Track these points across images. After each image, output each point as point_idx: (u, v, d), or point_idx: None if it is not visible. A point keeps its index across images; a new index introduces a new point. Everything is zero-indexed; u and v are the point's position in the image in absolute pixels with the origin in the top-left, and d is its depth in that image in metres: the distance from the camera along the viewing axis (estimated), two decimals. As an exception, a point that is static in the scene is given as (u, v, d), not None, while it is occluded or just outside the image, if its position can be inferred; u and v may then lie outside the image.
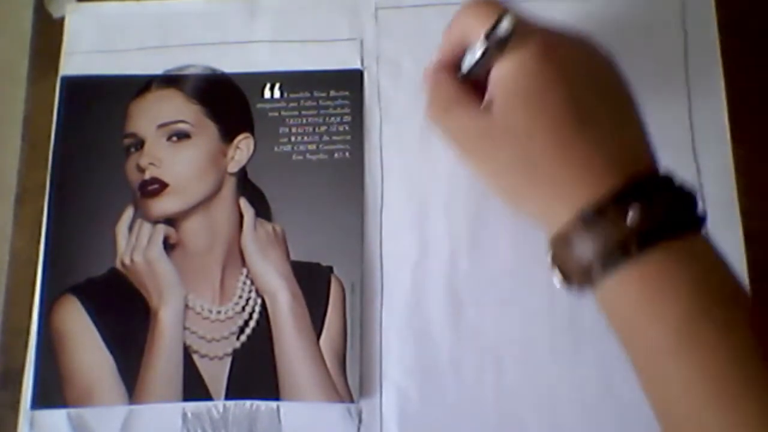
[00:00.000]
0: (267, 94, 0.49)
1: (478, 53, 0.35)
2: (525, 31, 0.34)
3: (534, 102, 0.33)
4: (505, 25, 0.33)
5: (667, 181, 0.33)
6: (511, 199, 0.36)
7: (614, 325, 0.33)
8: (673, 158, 0.46)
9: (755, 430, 0.28)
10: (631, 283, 0.31)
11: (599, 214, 0.31)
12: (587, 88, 0.34)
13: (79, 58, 0.51)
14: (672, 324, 0.30)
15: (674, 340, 0.30)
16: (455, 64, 0.38)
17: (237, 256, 0.47)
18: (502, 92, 0.34)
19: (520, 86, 0.33)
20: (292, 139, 0.48)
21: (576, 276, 0.33)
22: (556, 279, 0.34)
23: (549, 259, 0.34)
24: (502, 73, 0.34)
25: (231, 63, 0.50)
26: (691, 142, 0.47)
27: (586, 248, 0.31)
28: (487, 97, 0.35)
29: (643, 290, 0.31)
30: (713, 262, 0.32)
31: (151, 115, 0.48)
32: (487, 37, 0.34)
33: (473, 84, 0.37)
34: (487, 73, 0.35)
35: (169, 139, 0.48)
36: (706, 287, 0.30)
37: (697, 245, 0.32)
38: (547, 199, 0.33)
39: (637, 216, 0.30)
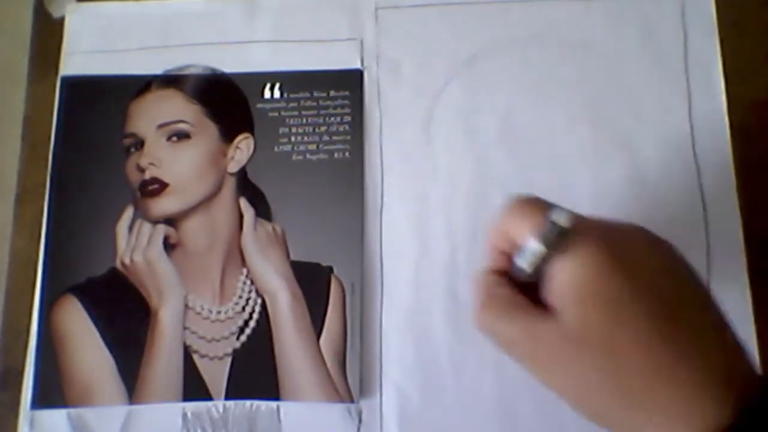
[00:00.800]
0: (267, 94, 0.49)
1: (531, 255, 0.31)
2: (581, 226, 0.30)
3: (613, 310, 0.29)
4: (562, 221, 0.30)
5: None
6: (593, 416, 0.30)
7: None
8: (673, 158, 0.47)
9: None
10: None
11: None
12: (667, 288, 0.30)
13: (79, 58, 0.51)
14: None
15: None
16: (504, 268, 0.34)
17: (237, 256, 0.47)
18: (572, 298, 0.29)
19: (593, 291, 0.29)
20: (292, 139, 0.48)
21: None
22: None
23: None
24: (568, 276, 0.30)
25: (231, 63, 0.50)
26: (691, 142, 0.47)
27: None
28: (550, 302, 0.31)
29: None
30: None
31: (151, 115, 0.48)
32: (542, 237, 0.30)
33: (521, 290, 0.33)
34: (537, 276, 0.32)
35: (169, 139, 0.48)
36: None
37: None
38: (640, 423, 0.28)
39: None
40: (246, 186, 0.48)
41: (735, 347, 0.29)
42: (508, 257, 0.33)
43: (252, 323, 0.45)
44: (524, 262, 0.31)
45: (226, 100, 0.49)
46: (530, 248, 0.31)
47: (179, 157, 0.47)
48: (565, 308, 0.30)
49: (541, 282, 0.31)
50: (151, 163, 0.47)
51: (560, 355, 0.30)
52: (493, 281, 0.33)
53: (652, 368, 0.28)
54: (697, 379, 0.28)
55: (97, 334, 0.45)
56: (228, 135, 0.48)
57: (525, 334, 0.31)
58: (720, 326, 0.29)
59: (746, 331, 0.43)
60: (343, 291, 0.45)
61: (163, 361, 0.45)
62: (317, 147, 0.48)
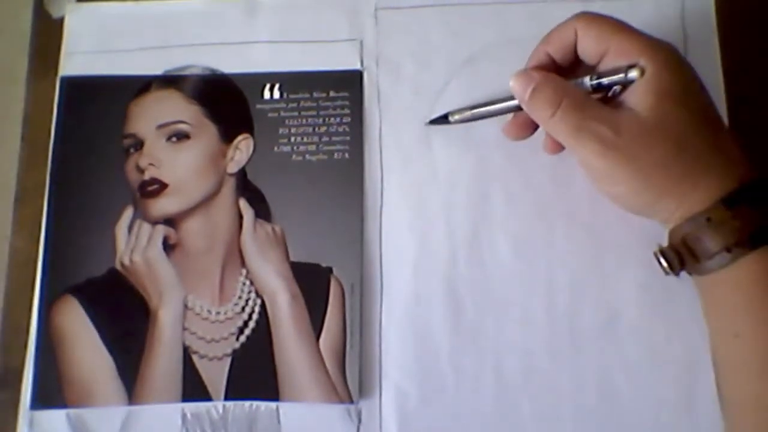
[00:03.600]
0: (267, 94, 0.49)
1: (618, 77, 0.38)
2: (650, 43, 0.38)
3: (687, 101, 0.37)
4: (635, 75, 0.38)
5: None
6: (652, 193, 0.38)
7: (728, 298, 0.38)
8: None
9: None
10: (759, 271, 0.36)
11: (741, 198, 0.36)
12: (707, 94, 0.39)
13: (79, 58, 0.51)
14: None
15: None
16: (555, 68, 0.41)
17: (236, 256, 0.47)
18: (653, 92, 0.37)
19: (671, 88, 0.37)
20: (292, 139, 0.48)
21: (706, 255, 0.37)
22: (666, 261, 0.39)
23: (671, 242, 0.39)
24: (648, 78, 0.37)
25: (231, 63, 0.50)
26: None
27: (728, 229, 0.36)
28: (624, 99, 0.38)
29: None
30: None
31: (150, 116, 0.48)
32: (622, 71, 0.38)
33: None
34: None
35: (168, 139, 0.48)
36: None
37: None
38: (694, 193, 0.37)
39: None
40: (245, 186, 0.48)
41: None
42: (552, 62, 0.41)
43: (251, 324, 0.45)
44: (609, 81, 0.39)
45: (225, 100, 0.49)
46: (618, 72, 0.38)
47: (179, 157, 0.47)
48: (645, 99, 0.37)
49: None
50: (151, 164, 0.47)
51: (643, 142, 0.37)
52: (558, 79, 0.40)
53: (709, 141, 0.37)
54: (734, 150, 0.38)
55: (97, 335, 0.45)
56: (227, 135, 0.48)
57: (611, 124, 0.37)
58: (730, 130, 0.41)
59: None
60: (343, 291, 0.45)
61: (163, 362, 0.45)
62: (317, 147, 0.48)
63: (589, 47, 0.39)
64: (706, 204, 0.37)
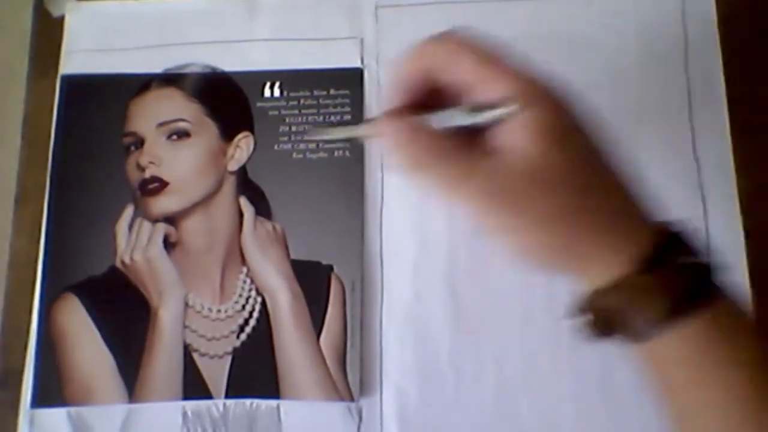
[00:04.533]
0: (267, 92, 0.49)
1: (494, 114, 0.31)
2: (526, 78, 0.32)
3: (573, 148, 0.31)
4: (512, 109, 0.31)
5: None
6: (546, 251, 0.32)
7: (669, 373, 0.33)
8: (673, 158, 0.47)
9: None
10: (700, 330, 0.31)
11: (658, 261, 0.31)
12: (602, 141, 0.33)
13: (79, 57, 0.51)
14: (746, 365, 0.31)
15: (748, 379, 0.31)
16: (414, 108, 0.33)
17: (237, 254, 0.47)
18: (533, 139, 0.30)
19: (560, 133, 0.31)
20: (292, 137, 0.48)
21: (625, 326, 0.32)
22: (585, 329, 0.33)
23: (591, 310, 0.33)
24: (535, 123, 0.31)
25: (231, 62, 0.50)
26: (692, 142, 0.47)
27: (652, 299, 0.31)
28: (505, 144, 0.31)
29: (715, 337, 0.31)
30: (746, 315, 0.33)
31: (150, 114, 0.48)
32: (483, 108, 0.31)
33: None
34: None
35: (169, 137, 0.48)
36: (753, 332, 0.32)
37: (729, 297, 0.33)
38: (593, 248, 0.31)
39: (690, 261, 0.31)
40: (246, 185, 0.48)
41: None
42: (417, 95, 0.33)
43: (252, 322, 0.45)
44: (481, 117, 0.31)
45: (226, 98, 0.49)
46: (492, 107, 0.31)
47: (179, 155, 0.47)
48: (526, 149, 0.30)
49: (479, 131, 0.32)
50: (151, 162, 0.47)
51: (531, 190, 0.31)
52: (414, 125, 0.32)
53: (604, 195, 0.32)
54: (637, 206, 0.32)
55: (97, 333, 0.45)
56: (228, 134, 0.48)
57: (481, 171, 0.31)
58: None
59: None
60: (344, 290, 0.45)
61: (163, 360, 0.45)
62: (317, 145, 0.48)
63: (449, 78, 0.32)
64: (623, 268, 0.31)
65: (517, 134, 0.31)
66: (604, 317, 0.32)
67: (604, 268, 0.32)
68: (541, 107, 0.31)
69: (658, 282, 0.31)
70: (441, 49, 0.32)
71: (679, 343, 0.32)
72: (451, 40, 0.32)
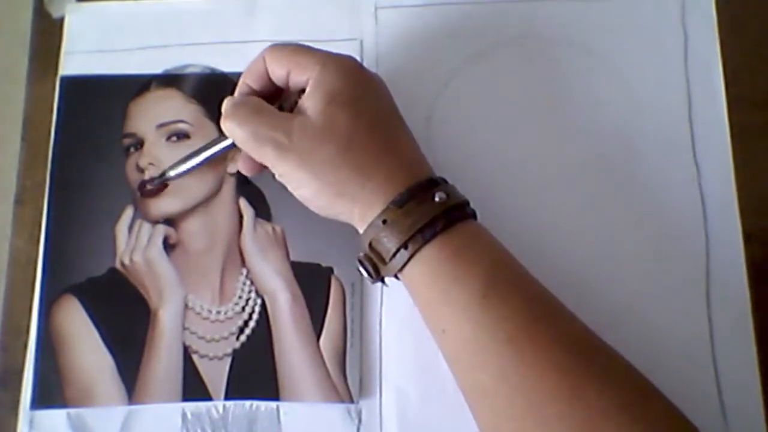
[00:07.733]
0: (267, 94, 0.49)
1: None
2: (324, 55, 0.40)
3: (357, 105, 0.39)
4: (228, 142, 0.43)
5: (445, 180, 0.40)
6: (327, 194, 0.39)
7: (424, 294, 0.38)
8: (673, 158, 0.47)
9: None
10: (442, 251, 0.37)
11: (411, 197, 0.38)
12: (386, 99, 0.42)
13: (79, 57, 0.51)
14: (481, 279, 0.37)
15: (482, 292, 0.36)
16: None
17: (237, 256, 0.47)
18: (321, 97, 0.39)
19: (340, 92, 0.39)
20: (292, 139, 0.48)
21: (389, 256, 0.38)
22: (364, 270, 0.39)
23: (363, 251, 0.39)
24: (320, 87, 0.39)
25: (230, 62, 0.50)
26: (691, 142, 0.47)
27: (401, 227, 0.37)
28: (300, 105, 0.40)
29: (454, 257, 0.37)
30: (491, 236, 0.40)
31: (150, 115, 0.48)
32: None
33: None
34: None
35: (168, 139, 0.48)
36: (498, 250, 0.39)
37: (478, 224, 0.40)
38: (364, 193, 0.38)
39: (444, 196, 0.38)
40: (246, 186, 0.48)
41: (420, 152, 0.42)
42: (255, 93, 0.43)
43: (252, 323, 0.45)
44: (207, 153, 0.45)
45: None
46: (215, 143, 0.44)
47: (179, 157, 0.47)
48: (315, 105, 0.39)
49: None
50: (151, 163, 0.47)
51: (311, 142, 0.38)
52: (245, 95, 0.43)
53: (375, 147, 0.39)
54: (404, 157, 0.40)
55: (97, 334, 0.45)
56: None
57: (278, 125, 0.39)
58: (411, 135, 0.42)
59: (746, 331, 0.43)
60: (344, 291, 0.45)
61: (163, 362, 0.45)
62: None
63: (275, 71, 0.41)
64: (382, 206, 0.38)
65: (313, 101, 0.39)
66: (368, 254, 0.39)
67: (367, 206, 0.38)
68: (333, 76, 0.39)
69: (404, 214, 0.37)
70: (261, 56, 0.42)
71: (422, 268, 0.38)
72: (268, 48, 0.42)
